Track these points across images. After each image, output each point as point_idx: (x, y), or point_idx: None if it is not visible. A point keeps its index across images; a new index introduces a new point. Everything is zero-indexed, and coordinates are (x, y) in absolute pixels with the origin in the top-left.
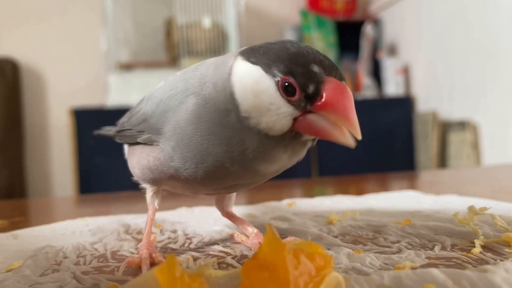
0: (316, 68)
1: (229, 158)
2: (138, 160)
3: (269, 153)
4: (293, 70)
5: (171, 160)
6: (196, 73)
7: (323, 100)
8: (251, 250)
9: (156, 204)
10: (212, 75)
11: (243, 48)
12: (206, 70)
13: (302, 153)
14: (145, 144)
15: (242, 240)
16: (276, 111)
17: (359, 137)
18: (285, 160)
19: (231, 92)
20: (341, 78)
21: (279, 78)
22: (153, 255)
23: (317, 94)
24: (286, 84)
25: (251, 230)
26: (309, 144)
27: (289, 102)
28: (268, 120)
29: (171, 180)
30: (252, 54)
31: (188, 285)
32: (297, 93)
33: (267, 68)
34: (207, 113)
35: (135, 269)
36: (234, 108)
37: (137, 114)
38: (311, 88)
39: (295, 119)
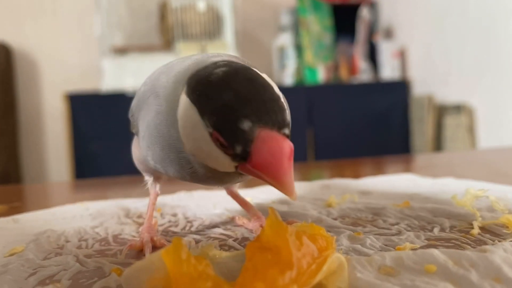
0: (245, 125)
1: (186, 175)
2: (133, 149)
3: (222, 177)
4: (221, 127)
5: (147, 157)
6: (163, 80)
7: (252, 161)
8: (252, 232)
9: (157, 189)
10: (168, 94)
11: (193, 72)
12: (167, 82)
13: None
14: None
15: (243, 222)
16: (216, 159)
17: (293, 198)
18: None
19: (177, 126)
20: (279, 126)
21: (210, 131)
22: (155, 238)
23: (246, 154)
24: (217, 139)
25: (253, 212)
26: None
27: (226, 153)
28: (212, 164)
29: (159, 172)
30: (193, 88)
31: (194, 267)
32: (229, 149)
33: (201, 114)
34: (163, 131)
35: (137, 252)
36: (181, 141)
37: (131, 104)
38: (238, 149)
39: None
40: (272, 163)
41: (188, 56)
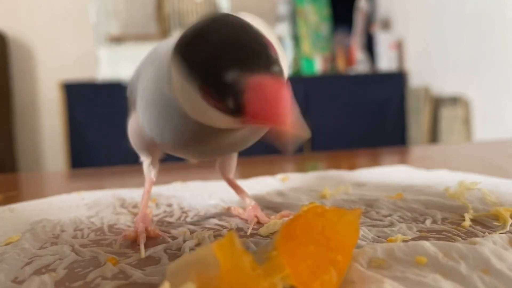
0: (232, 75)
1: (184, 139)
2: (130, 126)
3: (221, 139)
4: (209, 81)
5: (143, 124)
6: (158, 51)
7: (249, 112)
8: (247, 222)
9: (152, 175)
10: (163, 56)
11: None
12: (162, 51)
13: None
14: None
15: (238, 213)
16: (211, 116)
17: (306, 134)
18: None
19: (172, 87)
20: (267, 66)
21: (199, 87)
22: (149, 228)
23: (240, 107)
24: (208, 96)
25: (248, 202)
26: None
27: (220, 109)
28: (209, 121)
29: (155, 147)
30: (178, 43)
31: (250, 264)
32: (221, 104)
33: (189, 67)
34: (159, 92)
35: (132, 242)
36: (176, 102)
37: (130, 83)
38: (230, 103)
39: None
40: (268, 110)
41: None
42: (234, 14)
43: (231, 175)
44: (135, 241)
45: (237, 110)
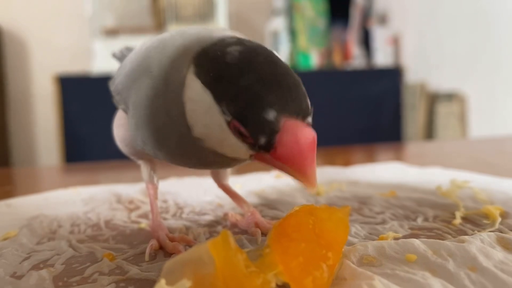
0: (270, 115)
1: (183, 156)
2: (117, 125)
3: (228, 162)
4: (243, 116)
5: (136, 137)
6: (156, 58)
7: (276, 152)
8: (247, 232)
9: (155, 181)
10: (167, 73)
11: (200, 50)
12: (163, 60)
13: None
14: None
15: (236, 220)
16: (230, 146)
17: (314, 190)
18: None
19: (182, 108)
20: (304, 114)
21: (229, 119)
22: (169, 235)
23: (270, 146)
24: (237, 128)
25: (247, 208)
26: None
27: (243, 141)
28: (224, 150)
29: (146, 155)
30: (205, 69)
31: (244, 262)
32: (249, 139)
33: (217, 99)
34: (160, 113)
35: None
36: (185, 124)
37: (115, 81)
38: (262, 140)
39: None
40: (297, 155)
41: (183, 30)
42: (264, 46)
43: (226, 181)
44: (158, 249)
45: (264, 148)
